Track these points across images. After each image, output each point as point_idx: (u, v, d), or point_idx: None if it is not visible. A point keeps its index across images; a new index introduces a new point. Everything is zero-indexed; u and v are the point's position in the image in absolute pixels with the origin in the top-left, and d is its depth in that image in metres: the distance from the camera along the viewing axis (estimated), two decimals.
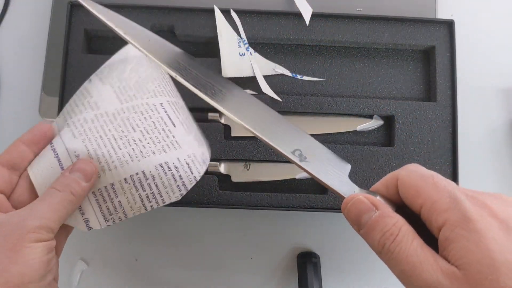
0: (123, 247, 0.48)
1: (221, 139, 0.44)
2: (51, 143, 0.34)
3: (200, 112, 0.44)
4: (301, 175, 0.45)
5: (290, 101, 0.45)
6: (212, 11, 0.46)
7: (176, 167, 0.33)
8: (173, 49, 0.40)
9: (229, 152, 0.44)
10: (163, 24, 0.46)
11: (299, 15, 0.46)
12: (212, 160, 0.44)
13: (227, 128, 0.46)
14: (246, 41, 0.46)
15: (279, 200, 0.44)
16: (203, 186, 0.43)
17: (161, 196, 0.33)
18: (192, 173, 0.34)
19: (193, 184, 0.34)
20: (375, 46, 0.47)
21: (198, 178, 0.34)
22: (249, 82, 0.46)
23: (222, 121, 0.45)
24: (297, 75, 0.47)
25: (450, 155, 0.45)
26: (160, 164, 0.33)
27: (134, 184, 0.33)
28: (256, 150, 0.44)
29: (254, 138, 0.45)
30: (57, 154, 0.34)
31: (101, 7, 0.37)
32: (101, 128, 0.34)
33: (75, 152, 0.33)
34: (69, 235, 0.35)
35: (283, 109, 0.45)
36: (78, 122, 0.35)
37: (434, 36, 0.47)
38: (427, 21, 0.47)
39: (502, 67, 0.52)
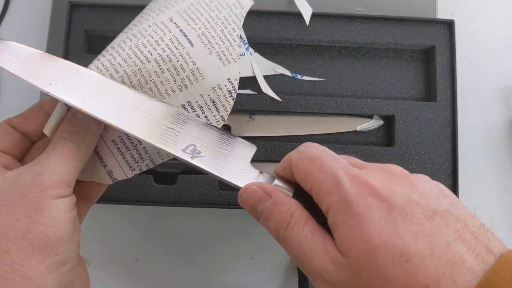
0: (123, 247, 0.48)
1: None
2: None
3: None
4: None
5: (290, 101, 0.45)
6: None
7: (201, 107, 0.30)
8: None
9: None
10: None
11: (299, 15, 0.46)
12: None
13: (227, 128, 0.45)
14: (246, 41, 0.46)
15: None
16: (203, 186, 0.43)
17: None
18: (218, 112, 0.30)
19: (221, 125, 0.30)
20: (375, 46, 0.47)
21: (226, 118, 0.31)
22: (249, 82, 0.46)
23: None
24: (297, 75, 0.47)
25: (450, 155, 0.45)
26: (183, 105, 0.30)
27: None
28: (256, 150, 0.44)
29: (254, 138, 0.45)
30: None
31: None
32: (112, 65, 0.30)
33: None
34: (93, 204, 0.32)
35: (283, 109, 0.45)
36: (91, 65, 0.31)
37: (434, 36, 0.47)
38: (427, 21, 0.47)
39: (502, 67, 0.52)
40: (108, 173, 0.31)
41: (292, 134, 0.46)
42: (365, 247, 0.22)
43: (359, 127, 0.46)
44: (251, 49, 0.46)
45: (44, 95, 0.48)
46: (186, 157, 0.27)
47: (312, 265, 0.24)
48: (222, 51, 0.31)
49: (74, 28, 0.46)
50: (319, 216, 0.25)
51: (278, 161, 0.45)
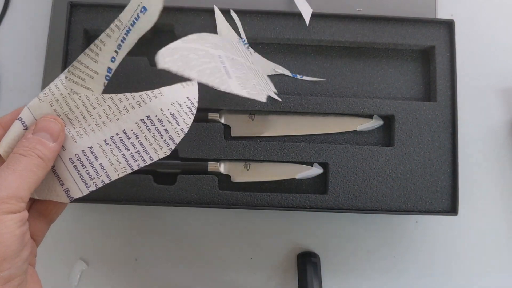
0: (123, 247, 0.48)
1: (221, 139, 0.44)
2: (19, 116, 0.31)
3: (200, 112, 0.44)
4: (301, 175, 0.45)
5: (290, 101, 0.45)
6: (212, 11, 0.46)
7: (160, 120, 0.31)
8: None
9: (229, 152, 0.44)
10: (163, 24, 0.46)
11: (299, 15, 0.46)
12: (212, 160, 0.44)
13: (227, 128, 0.46)
14: (246, 41, 0.46)
15: (279, 200, 0.44)
16: (203, 186, 0.43)
17: (148, 154, 0.31)
18: (178, 125, 0.31)
19: (181, 137, 0.31)
20: (375, 46, 0.47)
21: (186, 130, 0.31)
22: None
23: (222, 121, 0.45)
24: (297, 75, 0.47)
25: (450, 155, 0.45)
26: (142, 120, 0.31)
27: (116, 145, 0.30)
28: (256, 150, 0.44)
29: (254, 138, 0.45)
30: (24, 122, 0.31)
31: None
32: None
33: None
34: (53, 222, 0.32)
35: (283, 109, 0.45)
36: (45, 89, 0.32)
37: (434, 36, 0.47)
38: (427, 21, 0.47)
39: (502, 67, 0.52)
40: (65, 191, 0.31)
41: (292, 134, 0.46)
42: None
43: (359, 127, 0.46)
44: (251, 49, 0.46)
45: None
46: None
47: None
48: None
49: (74, 28, 0.46)
50: None
51: (278, 161, 0.45)
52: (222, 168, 0.45)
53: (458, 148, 0.45)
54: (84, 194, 0.31)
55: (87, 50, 0.35)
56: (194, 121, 0.32)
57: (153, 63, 0.46)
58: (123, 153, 0.31)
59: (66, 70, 0.33)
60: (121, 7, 0.46)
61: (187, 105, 0.32)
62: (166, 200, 0.43)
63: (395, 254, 0.49)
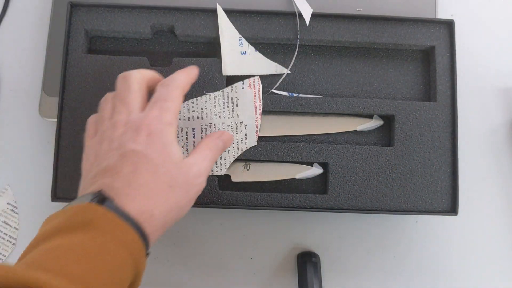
0: None
1: None
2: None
3: None
4: (301, 175, 0.45)
5: (290, 101, 0.45)
6: (212, 11, 0.46)
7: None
8: None
9: None
10: (163, 24, 0.46)
11: (299, 15, 0.46)
12: None
13: None
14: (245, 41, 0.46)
15: (279, 200, 0.44)
16: None
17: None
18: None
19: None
20: (375, 46, 0.47)
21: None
22: None
23: None
24: (293, 94, 0.46)
25: (450, 155, 0.45)
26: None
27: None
28: (256, 150, 0.44)
29: None
30: None
31: None
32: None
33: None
34: None
35: (283, 109, 0.45)
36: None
37: (434, 36, 0.47)
38: (427, 21, 0.47)
39: (502, 67, 0.52)
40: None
41: (292, 134, 0.46)
42: None
43: (359, 127, 0.46)
44: (251, 48, 0.46)
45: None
46: None
47: None
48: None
49: (74, 28, 0.46)
50: None
51: (278, 161, 0.45)
52: None
53: (458, 148, 0.45)
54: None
55: None
56: None
57: (153, 63, 0.46)
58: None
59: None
60: (121, 7, 0.46)
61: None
62: None
63: (395, 254, 0.49)
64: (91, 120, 0.38)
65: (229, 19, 0.46)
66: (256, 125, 0.43)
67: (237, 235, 0.48)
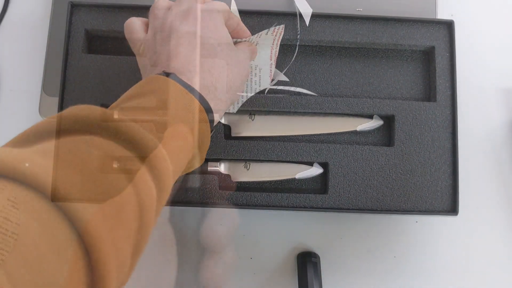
0: None
1: (221, 139, 0.44)
2: None
3: None
4: (301, 174, 0.45)
5: (290, 101, 0.45)
6: None
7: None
8: None
9: (229, 152, 0.44)
10: None
11: (299, 15, 0.46)
12: (212, 160, 0.44)
13: (227, 128, 0.46)
14: None
15: (279, 200, 0.44)
16: (203, 186, 0.43)
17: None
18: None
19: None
20: (375, 46, 0.47)
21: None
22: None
23: (222, 121, 0.45)
24: (291, 87, 0.47)
25: (450, 155, 0.45)
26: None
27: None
28: (256, 150, 0.44)
29: (254, 138, 0.45)
30: None
31: None
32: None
33: None
34: None
35: (283, 109, 0.45)
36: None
37: (434, 36, 0.47)
38: (427, 21, 0.47)
39: (502, 67, 0.52)
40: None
41: (292, 134, 0.46)
42: None
43: (359, 127, 0.46)
44: None
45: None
46: None
47: None
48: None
49: (74, 28, 0.46)
50: None
51: (278, 161, 0.45)
52: (222, 168, 0.45)
53: (458, 148, 0.45)
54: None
55: None
56: None
57: None
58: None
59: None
60: (121, 7, 0.46)
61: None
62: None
63: (395, 254, 0.49)
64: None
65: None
66: (270, 70, 0.45)
67: (237, 235, 0.48)
